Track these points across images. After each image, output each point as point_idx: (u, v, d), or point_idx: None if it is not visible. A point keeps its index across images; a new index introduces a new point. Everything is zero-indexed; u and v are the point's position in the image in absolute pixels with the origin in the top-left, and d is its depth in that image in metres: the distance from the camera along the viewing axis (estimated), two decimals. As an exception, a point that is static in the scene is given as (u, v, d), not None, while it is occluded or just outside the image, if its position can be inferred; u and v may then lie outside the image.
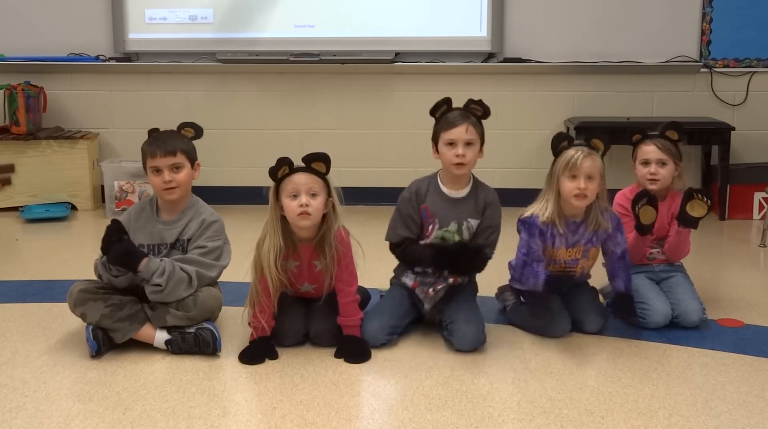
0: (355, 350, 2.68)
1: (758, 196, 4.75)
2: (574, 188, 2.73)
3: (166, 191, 2.76)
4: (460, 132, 2.75)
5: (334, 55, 5.01)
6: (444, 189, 2.84)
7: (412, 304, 2.88)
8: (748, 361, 2.66)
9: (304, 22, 5.07)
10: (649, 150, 3.02)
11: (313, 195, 2.60)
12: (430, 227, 2.82)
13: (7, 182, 4.92)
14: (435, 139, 2.83)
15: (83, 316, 2.67)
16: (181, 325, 2.68)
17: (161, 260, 2.66)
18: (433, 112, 2.84)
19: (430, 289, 2.81)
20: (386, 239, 2.88)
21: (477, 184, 2.88)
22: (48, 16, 5.14)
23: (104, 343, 2.66)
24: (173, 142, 2.77)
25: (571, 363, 2.65)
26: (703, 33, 4.96)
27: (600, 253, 2.90)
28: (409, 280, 2.87)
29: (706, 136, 4.77)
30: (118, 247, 2.61)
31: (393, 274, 2.98)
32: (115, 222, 2.67)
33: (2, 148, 4.90)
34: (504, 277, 3.00)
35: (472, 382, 2.49)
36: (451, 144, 2.76)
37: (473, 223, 2.82)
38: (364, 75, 5.14)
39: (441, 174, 2.88)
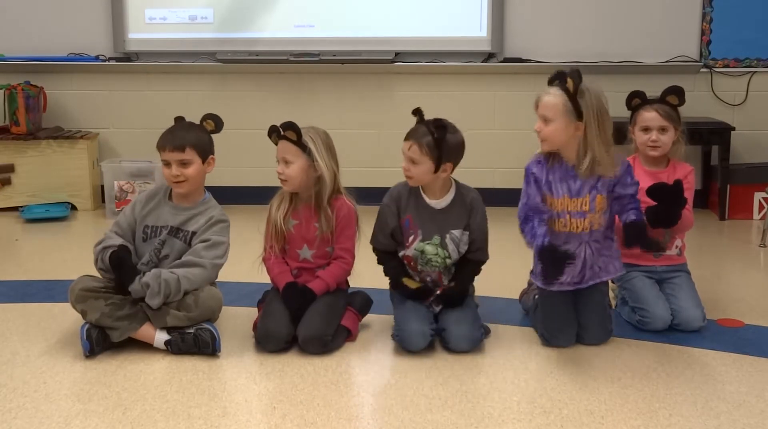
0: (297, 299, 2.73)
1: (758, 196, 4.75)
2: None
3: (176, 184, 2.80)
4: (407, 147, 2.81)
5: (334, 55, 5.01)
6: (426, 198, 2.78)
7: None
8: (748, 361, 2.66)
9: (304, 22, 5.07)
10: (650, 117, 2.96)
11: (287, 162, 2.74)
12: (411, 238, 2.78)
13: (7, 182, 4.92)
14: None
15: (83, 314, 2.67)
16: (182, 325, 2.68)
17: (146, 280, 2.65)
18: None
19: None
20: (370, 242, 2.83)
21: (459, 190, 2.81)
22: (48, 16, 5.14)
23: (98, 342, 2.66)
24: (183, 137, 2.78)
25: (571, 363, 2.65)
26: (703, 33, 4.96)
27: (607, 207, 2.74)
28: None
29: (706, 136, 4.76)
30: (116, 256, 2.66)
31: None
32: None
33: (2, 148, 4.90)
34: (523, 281, 3.03)
35: (472, 382, 2.49)
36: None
37: (457, 233, 2.77)
38: (364, 75, 5.14)
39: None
